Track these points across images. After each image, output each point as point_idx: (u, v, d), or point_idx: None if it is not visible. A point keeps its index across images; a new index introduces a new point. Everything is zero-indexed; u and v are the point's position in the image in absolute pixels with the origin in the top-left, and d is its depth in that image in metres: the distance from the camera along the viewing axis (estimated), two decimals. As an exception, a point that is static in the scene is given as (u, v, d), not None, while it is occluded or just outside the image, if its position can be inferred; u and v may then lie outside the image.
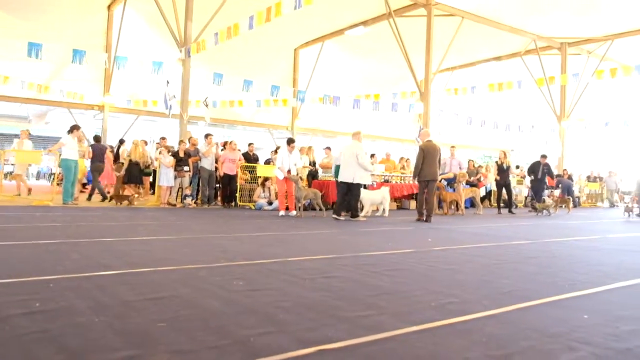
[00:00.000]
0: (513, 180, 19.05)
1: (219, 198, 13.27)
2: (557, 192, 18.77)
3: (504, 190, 14.46)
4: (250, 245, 5.83)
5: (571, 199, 16.44)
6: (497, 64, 24.33)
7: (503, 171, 14.03)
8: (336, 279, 3.89)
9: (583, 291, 3.66)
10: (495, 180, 14.56)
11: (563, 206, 15.66)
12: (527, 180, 17.14)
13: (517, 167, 21.82)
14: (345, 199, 10.01)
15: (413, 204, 14.98)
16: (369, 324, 2.70)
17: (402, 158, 17.16)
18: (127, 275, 3.82)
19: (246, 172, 13.37)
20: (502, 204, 14.65)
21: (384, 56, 23.07)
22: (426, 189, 10.28)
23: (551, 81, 21.40)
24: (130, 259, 4.52)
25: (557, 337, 2.52)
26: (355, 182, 9.85)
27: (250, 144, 14.69)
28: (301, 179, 11.84)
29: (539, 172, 14.61)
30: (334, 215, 9.92)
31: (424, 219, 10.13)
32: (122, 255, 4.76)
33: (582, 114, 24.09)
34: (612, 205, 20.91)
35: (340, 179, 10.08)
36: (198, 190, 12.98)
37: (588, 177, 22.25)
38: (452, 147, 14.16)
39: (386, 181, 14.23)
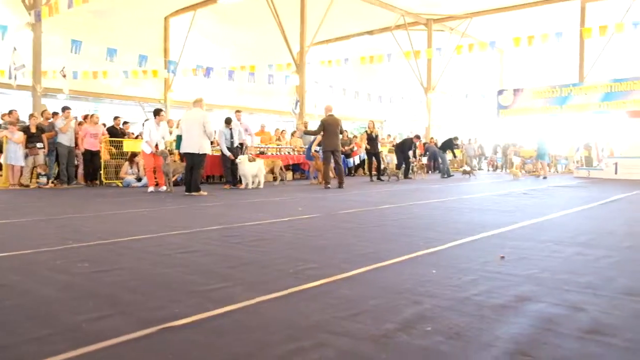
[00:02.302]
0: (385, 149, 19.96)
1: (80, 176, 12.22)
2: (424, 159, 20.01)
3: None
4: (109, 223, 5.40)
5: (425, 166, 17.79)
6: (370, 38, 25.06)
7: (372, 140, 14.58)
8: (196, 253, 3.71)
9: (436, 248, 3.86)
10: (366, 149, 15.09)
11: (428, 171, 16.88)
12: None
13: (389, 135, 22.89)
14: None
15: (290, 175, 15.08)
16: (222, 296, 2.57)
17: (277, 130, 17.11)
18: (-53, 266, 3.30)
19: (111, 147, 12.45)
20: (374, 172, 15.27)
21: (259, 27, 22.67)
22: (333, 159, 11.13)
23: (417, 55, 22.55)
24: (-44, 247, 3.94)
25: (405, 293, 2.59)
26: (201, 152, 9.17)
27: (116, 118, 13.66)
28: (171, 153, 11.29)
29: (409, 149, 15.64)
30: (187, 192, 9.17)
31: (334, 185, 10.89)
32: (-53, 243, 4.13)
33: (446, 86, 25.80)
34: (472, 170, 22.85)
35: (184, 150, 9.26)
36: (57, 170, 11.83)
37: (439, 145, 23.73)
38: (237, 111, 12.69)
39: (261, 153, 14.10)
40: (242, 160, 10.62)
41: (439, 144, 18.22)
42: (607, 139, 19.87)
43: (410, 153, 15.87)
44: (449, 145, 17.38)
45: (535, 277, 2.91)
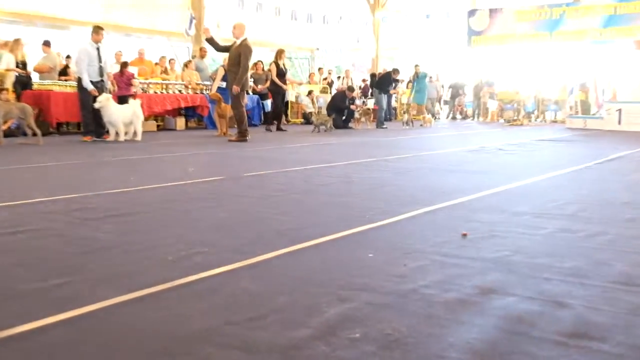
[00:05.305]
0: (316, 88, 19.94)
1: None
2: (370, 103, 20.13)
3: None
4: None
5: (371, 112, 18.04)
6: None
7: (282, 76, 14.60)
8: (29, 233, 3.56)
9: (377, 223, 3.88)
10: (271, 88, 15.07)
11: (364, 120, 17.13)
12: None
13: (321, 70, 22.87)
14: None
15: (181, 122, 14.87)
16: (60, 297, 2.45)
17: (162, 58, 16.55)
18: None
19: None
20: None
21: None
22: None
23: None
24: None
25: (328, 286, 2.57)
26: None
27: None
28: (1, 89, 10.65)
29: (344, 102, 16.29)
30: None
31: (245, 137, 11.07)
32: None
33: (401, 4, 25.92)
34: (434, 117, 23.17)
35: None
36: None
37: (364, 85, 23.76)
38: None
39: (142, 91, 13.65)
40: (104, 102, 10.14)
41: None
42: (609, 77, 20.76)
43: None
44: (386, 82, 17.58)
45: (506, 262, 2.98)
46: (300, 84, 20.54)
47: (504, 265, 2.92)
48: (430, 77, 23.56)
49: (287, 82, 15.75)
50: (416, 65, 20.07)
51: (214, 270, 2.81)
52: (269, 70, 15.41)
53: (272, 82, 14.90)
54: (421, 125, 17.90)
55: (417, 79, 19.65)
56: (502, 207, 4.47)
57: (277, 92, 14.86)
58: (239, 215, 4.13)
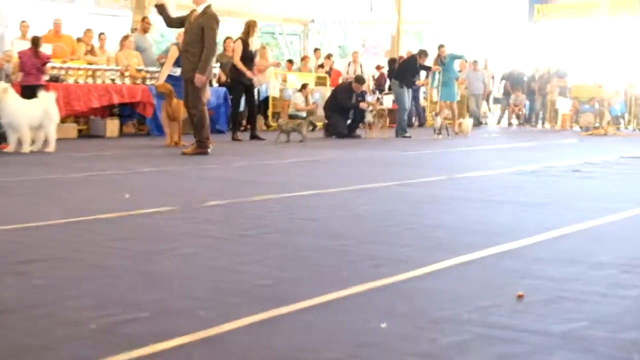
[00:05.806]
0: (310, 77, 19.97)
1: None
2: (388, 100, 20.05)
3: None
4: None
5: (387, 114, 17.96)
6: None
7: (249, 59, 14.67)
8: None
9: (392, 277, 3.88)
10: (232, 77, 15.25)
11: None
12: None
13: (317, 51, 23.00)
14: None
15: (113, 125, 14.85)
16: None
17: (88, 32, 16.57)
18: None
19: None
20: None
21: None
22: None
23: None
24: None
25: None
26: None
27: None
28: None
29: (350, 99, 16.56)
30: None
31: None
32: None
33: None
34: (477, 121, 22.98)
35: None
36: None
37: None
38: None
39: (55, 80, 13.65)
40: (0, 95, 10.13)
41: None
42: None
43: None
44: (410, 70, 17.57)
45: (580, 337, 2.97)
46: (277, 65, 20.38)
47: (577, 341, 2.91)
48: (474, 63, 23.44)
49: (257, 67, 15.87)
50: (440, 46, 19.84)
51: (155, 346, 2.78)
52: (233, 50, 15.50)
53: (233, 67, 15.05)
54: (456, 132, 17.90)
55: (443, 65, 19.23)
56: (574, 257, 4.48)
57: (239, 82, 14.92)
58: (192, 265, 4.14)
